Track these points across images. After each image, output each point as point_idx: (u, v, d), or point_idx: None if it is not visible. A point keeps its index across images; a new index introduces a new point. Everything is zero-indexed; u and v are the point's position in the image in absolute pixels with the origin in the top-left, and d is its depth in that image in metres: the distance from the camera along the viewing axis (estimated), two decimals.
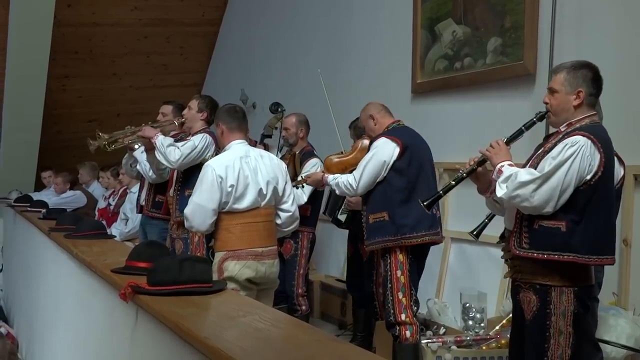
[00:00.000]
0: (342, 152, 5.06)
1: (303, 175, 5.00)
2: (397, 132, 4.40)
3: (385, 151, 4.27)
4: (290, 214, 4.13)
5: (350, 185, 4.35)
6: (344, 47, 7.08)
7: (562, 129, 3.10)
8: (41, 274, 5.20)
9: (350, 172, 4.52)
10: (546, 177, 2.95)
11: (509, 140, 3.22)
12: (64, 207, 6.99)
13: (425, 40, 5.86)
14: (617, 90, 4.11)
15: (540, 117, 3.22)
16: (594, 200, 2.98)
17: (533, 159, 3.18)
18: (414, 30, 5.95)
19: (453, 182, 3.34)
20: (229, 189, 3.81)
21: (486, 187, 3.34)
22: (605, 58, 4.37)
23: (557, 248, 2.98)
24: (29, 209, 6.85)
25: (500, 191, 3.07)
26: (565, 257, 2.97)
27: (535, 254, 3.03)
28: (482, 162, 3.26)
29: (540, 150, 3.16)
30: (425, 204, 3.47)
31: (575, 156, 2.93)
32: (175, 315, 2.17)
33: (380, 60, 6.54)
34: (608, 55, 4.35)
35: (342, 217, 5.24)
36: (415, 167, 4.31)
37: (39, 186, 9.37)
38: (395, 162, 4.26)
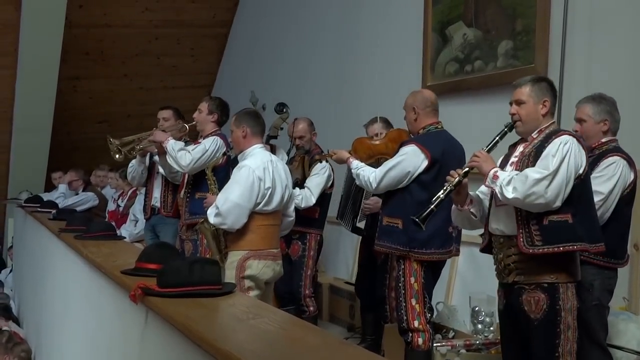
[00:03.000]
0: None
1: (329, 156, 4.80)
2: (430, 141, 4.17)
3: (412, 162, 4.11)
4: (292, 219, 4.38)
5: (370, 184, 4.25)
6: (354, 49, 7.07)
7: (535, 136, 3.27)
8: (51, 274, 5.22)
9: (376, 160, 4.47)
10: (555, 173, 3.07)
11: (489, 150, 3.37)
12: (74, 207, 7.02)
13: (435, 43, 5.84)
14: (630, 93, 4.09)
15: (510, 127, 3.38)
16: (584, 193, 3.21)
17: (515, 163, 3.26)
18: (425, 33, 5.93)
19: (442, 196, 3.36)
20: (265, 191, 3.97)
21: (464, 199, 3.39)
22: (617, 61, 4.36)
23: (570, 239, 3.11)
24: (39, 209, 6.89)
25: (510, 193, 3.09)
26: (577, 246, 3.12)
27: (551, 249, 3.10)
28: (467, 173, 3.33)
29: (519, 154, 3.28)
30: (419, 219, 3.43)
31: (571, 152, 3.11)
32: (185, 317, 2.18)
33: (390, 62, 6.52)
34: (620, 58, 4.33)
35: (360, 225, 5.20)
36: (440, 182, 4.01)
37: (49, 187, 9.41)
38: (420, 174, 4.11)
